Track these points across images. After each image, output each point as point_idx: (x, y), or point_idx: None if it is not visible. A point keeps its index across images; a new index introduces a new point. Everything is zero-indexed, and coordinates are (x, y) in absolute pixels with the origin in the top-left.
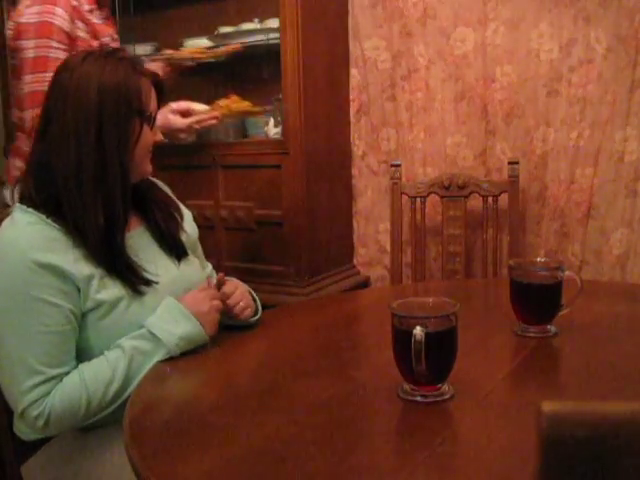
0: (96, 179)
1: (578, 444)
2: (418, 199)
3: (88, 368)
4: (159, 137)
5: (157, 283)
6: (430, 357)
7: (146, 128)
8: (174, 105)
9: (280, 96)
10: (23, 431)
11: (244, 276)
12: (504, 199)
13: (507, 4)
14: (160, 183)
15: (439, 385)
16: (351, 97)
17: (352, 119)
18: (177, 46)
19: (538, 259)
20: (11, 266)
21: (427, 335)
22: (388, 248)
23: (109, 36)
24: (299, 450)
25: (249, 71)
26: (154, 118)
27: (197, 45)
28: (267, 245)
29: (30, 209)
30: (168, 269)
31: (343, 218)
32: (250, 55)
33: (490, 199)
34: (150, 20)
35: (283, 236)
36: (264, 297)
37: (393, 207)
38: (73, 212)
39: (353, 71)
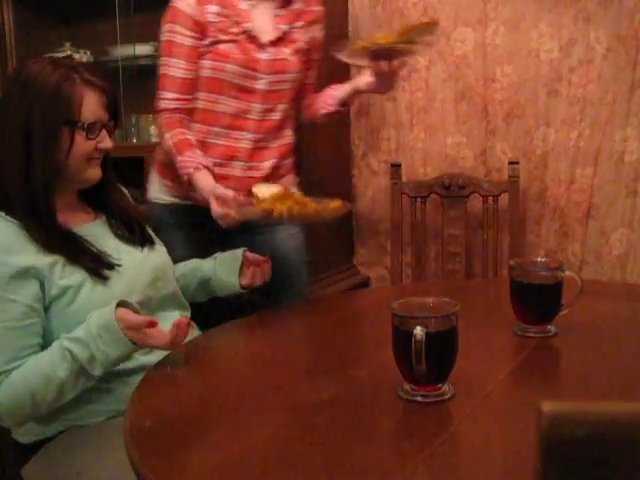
0: (22, 180)
1: (578, 444)
2: (418, 199)
3: (29, 363)
4: (105, 144)
5: (120, 266)
6: (430, 357)
7: (79, 137)
8: (218, 190)
9: None
10: None
11: None
12: (504, 199)
13: (507, 4)
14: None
15: (439, 385)
16: None
17: (352, 119)
18: None
19: (538, 259)
20: None
21: (427, 335)
22: (388, 248)
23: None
24: (299, 450)
25: None
26: (94, 128)
27: None
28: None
29: (6, 215)
30: (131, 254)
31: (343, 218)
32: None
33: (490, 199)
34: (150, 20)
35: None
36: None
37: (393, 207)
38: (17, 206)
39: (353, 71)
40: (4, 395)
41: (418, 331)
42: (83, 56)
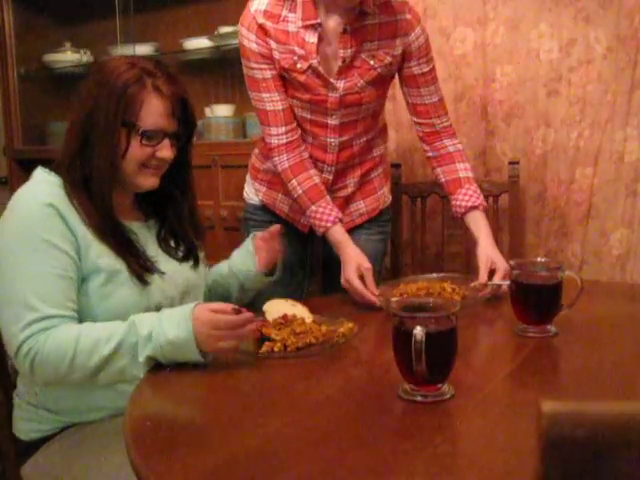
0: (81, 166)
1: (578, 444)
2: (418, 199)
3: (89, 326)
4: (163, 154)
5: (163, 273)
6: (430, 357)
7: (135, 141)
8: (365, 265)
9: None
10: (19, 369)
11: None
12: (504, 199)
13: (507, 4)
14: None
15: (439, 385)
16: None
17: None
18: (177, 46)
19: (538, 259)
20: (26, 208)
21: (427, 335)
22: (388, 248)
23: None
24: (299, 450)
25: None
26: (153, 136)
27: (197, 45)
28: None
29: (52, 172)
30: (167, 264)
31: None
32: None
33: (490, 199)
34: (150, 20)
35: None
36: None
37: (393, 207)
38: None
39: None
40: (49, 343)
41: (418, 331)
42: (83, 56)
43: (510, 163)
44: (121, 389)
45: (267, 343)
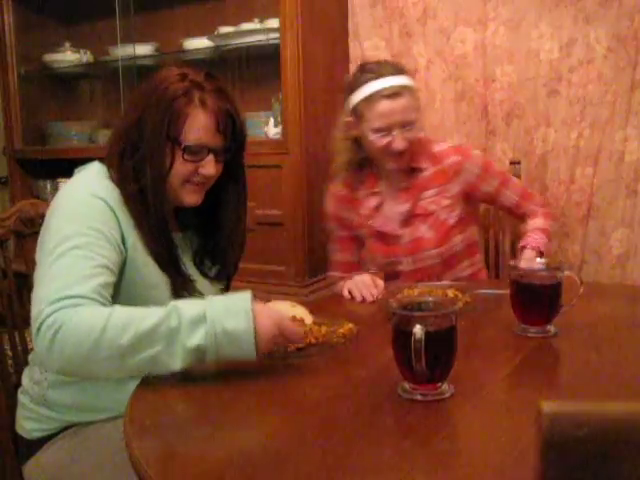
0: (135, 177)
1: (578, 444)
2: None
3: (122, 308)
4: (206, 171)
5: (202, 294)
6: (430, 356)
7: (178, 157)
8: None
9: (280, 96)
10: (37, 345)
11: (244, 276)
12: None
13: (507, 4)
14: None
15: (439, 384)
16: None
17: None
18: (177, 46)
19: (538, 259)
20: (80, 198)
21: (427, 334)
22: None
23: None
24: (299, 449)
25: (249, 71)
26: (196, 151)
27: (197, 45)
28: (267, 245)
29: (104, 168)
30: (202, 281)
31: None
32: (250, 55)
33: None
34: (150, 20)
35: (283, 236)
36: (264, 297)
37: None
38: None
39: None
40: (77, 316)
41: (417, 330)
42: (83, 56)
43: (510, 163)
44: (125, 389)
45: None
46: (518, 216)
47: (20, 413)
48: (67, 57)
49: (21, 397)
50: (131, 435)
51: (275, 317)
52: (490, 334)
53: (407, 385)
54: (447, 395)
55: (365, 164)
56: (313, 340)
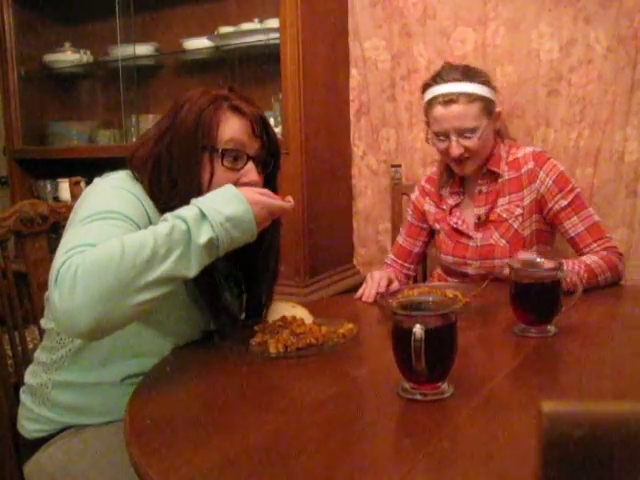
0: (168, 195)
1: (578, 444)
2: None
3: (131, 233)
4: (249, 178)
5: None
6: (430, 355)
7: (218, 166)
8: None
9: (280, 96)
10: (57, 300)
11: None
12: None
13: (507, 4)
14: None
15: (439, 384)
16: (351, 97)
17: (352, 119)
18: (177, 46)
19: (538, 259)
20: (110, 188)
21: (427, 333)
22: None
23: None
24: (299, 449)
25: (249, 71)
26: (234, 155)
27: (197, 45)
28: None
29: (135, 174)
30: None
31: (343, 218)
32: (250, 55)
33: None
34: (150, 20)
35: (283, 236)
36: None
37: (393, 207)
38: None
39: (353, 71)
40: (92, 253)
41: (417, 329)
42: (83, 56)
43: None
44: (125, 393)
45: (270, 342)
46: (577, 250)
47: (21, 413)
48: (67, 57)
49: (23, 397)
50: (131, 435)
51: (260, 201)
52: (490, 334)
53: (407, 385)
54: (447, 395)
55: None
56: (313, 340)
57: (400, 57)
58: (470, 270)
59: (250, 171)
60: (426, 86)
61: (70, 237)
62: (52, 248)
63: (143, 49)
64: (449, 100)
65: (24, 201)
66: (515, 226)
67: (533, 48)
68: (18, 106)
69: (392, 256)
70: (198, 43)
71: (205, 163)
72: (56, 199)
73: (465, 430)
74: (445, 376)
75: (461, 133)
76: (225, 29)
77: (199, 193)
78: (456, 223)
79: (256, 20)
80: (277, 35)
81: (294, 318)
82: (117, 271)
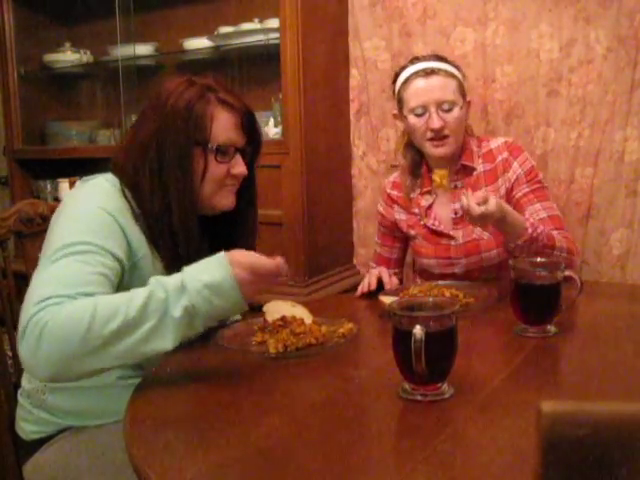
0: (157, 194)
1: (578, 444)
2: None
3: (107, 295)
4: (238, 170)
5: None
6: (430, 356)
7: (211, 159)
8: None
9: (280, 96)
10: (22, 350)
11: None
12: None
13: (507, 4)
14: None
15: (439, 384)
16: (351, 97)
17: (352, 119)
18: (177, 46)
19: (538, 259)
20: (86, 209)
21: (427, 334)
22: None
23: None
24: (299, 449)
25: (249, 71)
26: (226, 151)
27: (197, 45)
28: (267, 245)
29: (115, 179)
30: None
31: (343, 218)
32: (250, 55)
33: None
34: (150, 20)
35: (283, 236)
36: (264, 297)
37: None
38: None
39: (353, 71)
40: (63, 311)
41: (417, 330)
42: (83, 56)
43: None
44: (125, 395)
45: (270, 341)
46: None
47: (19, 414)
48: (67, 57)
49: (21, 399)
50: (131, 435)
51: (244, 262)
52: (490, 334)
53: (407, 385)
54: (447, 395)
55: (420, 165)
56: (313, 340)
57: (400, 57)
58: (457, 269)
59: (238, 162)
60: (401, 70)
61: (40, 281)
62: None
63: (143, 49)
64: (430, 72)
65: (24, 201)
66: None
67: (533, 48)
68: (18, 106)
69: (373, 264)
70: (198, 43)
71: (198, 158)
72: (56, 199)
73: (465, 431)
74: (445, 377)
75: (440, 105)
76: (225, 29)
77: (192, 190)
78: (433, 224)
79: (256, 20)
80: (277, 35)
81: (294, 318)
82: (83, 339)
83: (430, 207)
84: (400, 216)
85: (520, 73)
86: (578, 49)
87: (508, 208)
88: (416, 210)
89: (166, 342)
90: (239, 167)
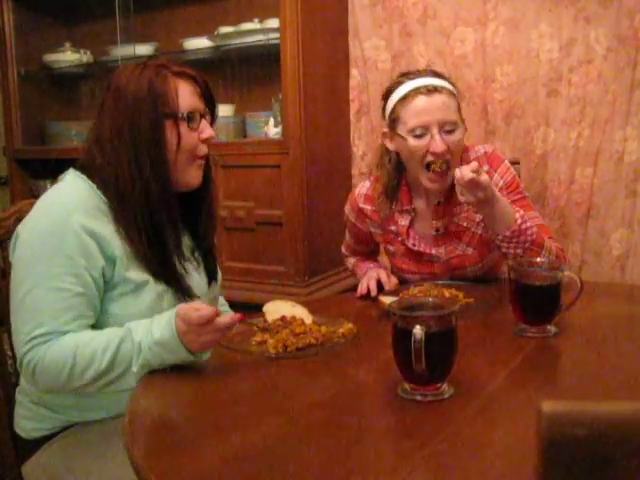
0: (135, 178)
1: (578, 444)
2: None
3: (87, 336)
4: (207, 134)
5: (194, 295)
6: (430, 356)
7: (183, 128)
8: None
9: (280, 96)
10: (22, 376)
11: (244, 276)
12: None
13: (507, 4)
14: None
15: (439, 384)
16: (351, 97)
17: (352, 119)
18: (177, 46)
19: (538, 259)
20: (54, 222)
21: (427, 334)
22: None
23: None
24: (299, 449)
25: (249, 71)
26: (194, 117)
27: (197, 45)
28: (267, 245)
29: (83, 176)
30: (196, 281)
31: (343, 218)
32: (250, 55)
33: None
34: (150, 20)
35: (283, 236)
36: (264, 297)
37: None
38: (119, 197)
39: (353, 71)
40: (48, 355)
41: (417, 330)
42: (83, 56)
43: (512, 163)
44: (122, 392)
45: (270, 341)
46: None
47: (18, 413)
48: (67, 57)
49: (19, 397)
50: (131, 435)
51: (182, 314)
52: (490, 334)
53: (407, 386)
54: (447, 396)
55: (399, 187)
56: (313, 340)
57: (400, 57)
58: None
59: (206, 127)
60: (395, 85)
61: (22, 318)
62: None
63: (143, 49)
64: (433, 89)
65: (24, 201)
66: (479, 232)
67: (533, 48)
68: (18, 106)
69: (347, 253)
70: (198, 43)
71: (170, 130)
72: None
73: (465, 431)
74: (445, 377)
75: (443, 126)
76: (225, 29)
77: (167, 164)
78: (414, 245)
79: (256, 20)
80: (277, 35)
81: (294, 318)
82: (67, 379)
83: (410, 226)
84: (375, 230)
85: (520, 73)
86: (578, 49)
87: (498, 194)
88: (393, 228)
89: (131, 383)
90: (208, 131)
